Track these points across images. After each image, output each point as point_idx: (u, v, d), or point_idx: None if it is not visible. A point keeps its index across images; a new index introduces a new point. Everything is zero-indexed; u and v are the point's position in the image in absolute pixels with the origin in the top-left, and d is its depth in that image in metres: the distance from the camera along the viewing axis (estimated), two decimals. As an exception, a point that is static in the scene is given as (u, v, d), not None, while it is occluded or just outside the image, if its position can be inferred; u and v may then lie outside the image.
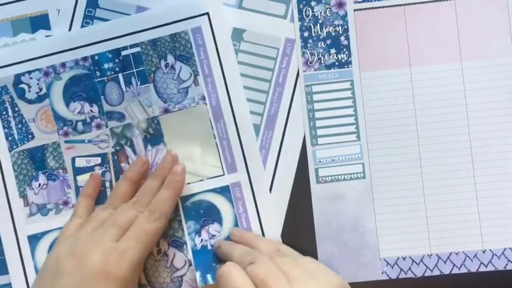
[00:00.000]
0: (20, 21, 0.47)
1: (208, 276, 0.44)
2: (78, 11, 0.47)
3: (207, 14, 0.46)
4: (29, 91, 0.46)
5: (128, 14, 0.47)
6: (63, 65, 0.46)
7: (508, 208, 0.45)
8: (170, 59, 0.46)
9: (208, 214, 0.45)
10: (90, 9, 0.47)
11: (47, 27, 0.47)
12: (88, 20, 0.47)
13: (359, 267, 0.45)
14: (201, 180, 0.46)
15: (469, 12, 0.46)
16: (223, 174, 0.46)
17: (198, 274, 0.44)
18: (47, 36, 0.47)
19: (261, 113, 0.47)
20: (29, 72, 0.46)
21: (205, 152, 0.46)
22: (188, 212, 0.45)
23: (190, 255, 0.45)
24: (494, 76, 0.46)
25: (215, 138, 0.46)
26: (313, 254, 0.45)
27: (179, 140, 0.46)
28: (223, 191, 0.46)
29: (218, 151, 0.46)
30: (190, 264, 0.45)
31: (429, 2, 0.46)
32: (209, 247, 0.45)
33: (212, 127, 0.46)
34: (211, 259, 0.45)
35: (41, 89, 0.46)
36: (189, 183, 0.46)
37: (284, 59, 0.47)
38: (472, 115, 0.46)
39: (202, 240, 0.45)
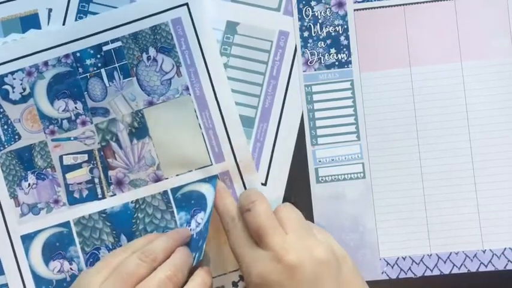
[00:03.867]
0: (10, 22, 0.47)
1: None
2: (72, 5, 0.47)
3: (186, 4, 0.46)
4: (13, 92, 0.46)
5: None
6: (45, 63, 0.46)
7: (508, 208, 0.45)
8: (152, 51, 0.46)
9: (198, 204, 0.45)
10: (84, 4, 0.47)
11: (38, 26, 0.47)
12: (81, 15, 0.47)
13: (359, 267, 0.45)
14: (189, 171, 0.46)
15: (469, 12, 0.46)
16: (211, 164, 0.46)
17: None
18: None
19: (255, 105, 0.47)
20: (12, 72, 0.46)
21: (192, 142, 0.46)
22: (179, 203, 0.46)
23: None
24: (494, 76, 0.46)
25: (201, 128, 0.46)
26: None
27: (165, 132, 0.46)
28: (213, 180, 0.46)
29: (204, 141, 0.46)
30: None
31: (429, 2, 0.46)
32: (195, 236, 0.45)
33: (197, 117, 0.46)
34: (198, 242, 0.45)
35: (24, 89, 0.46)
36: (177, 175, 0.46)
37: (278, 51, 0.47)
38: (472, 115, 0.46)
39: (190, 230, 0.45)
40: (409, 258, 0.45)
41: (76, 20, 0.47)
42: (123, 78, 0.46)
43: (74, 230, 0.46)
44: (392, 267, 0.45)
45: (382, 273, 0.45)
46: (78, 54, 0.46)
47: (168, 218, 0.46)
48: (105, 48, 0.46)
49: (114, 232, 0.46)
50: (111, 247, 0.46)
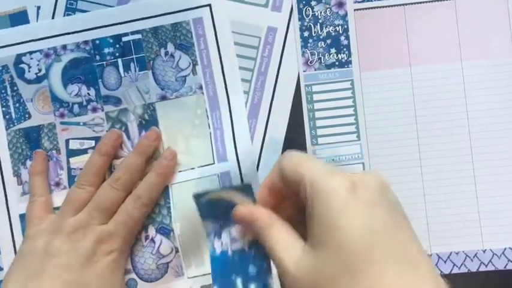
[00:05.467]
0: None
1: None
2: (60, 3, 0.47)
3: (209, 5, 0.47)
4: (29, 71, 0.47)
5: (109, 6, 0.47)
6: (64, 47, 0.47)
7: (508, 208, 0.45)
8: (170, 47, 0.47)
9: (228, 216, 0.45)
10: (72, 1, 0.47)
11: (26, 21, 0.47)
12: (70, 13, 0.47)
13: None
14: (192, 169, 0.46)
15: (469, 12, 0.46)
16: (213, 163, 0.46)
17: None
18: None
19: (244, 102, 0.47)
20: (30, 52, 0.47)
21: (198, 140, 0.46)
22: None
23: (177, 243, 0.45)
24: (494, 76, 0.46)
25: (209, 127, 0.46)
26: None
27: (174, 127, 0.46)
28: (247, 189, 0.45)
29: (211, 140, 0.46)
30: (177, 251, 0.45)
31: (429, 1, 0.46)
32: (232, 255, 0.43)
33: (208, 116, 0.46)
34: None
35: (40, 70, 0.47)
36: (180, 171, 0.46)
37: (266, 47, 0.47)
38: (472, 115, 0.46)
39: (222, 244, 0.45)
40: (409, 258, 0.45)
41: (64, 15, 0.47)
42: (139, 71, 0.47)
43: None
44: (392, 267, 0.45)
45: (382, 273, 0.45)
46: (97, 42, 0.47)
47: (165, 213, 0.46)
48: (124, 39, 0.47)
49: None
50: None
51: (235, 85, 0.46)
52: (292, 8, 0.47)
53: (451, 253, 0.45)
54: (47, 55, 0.47)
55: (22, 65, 0.47)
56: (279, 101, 0.47)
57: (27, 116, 0.47)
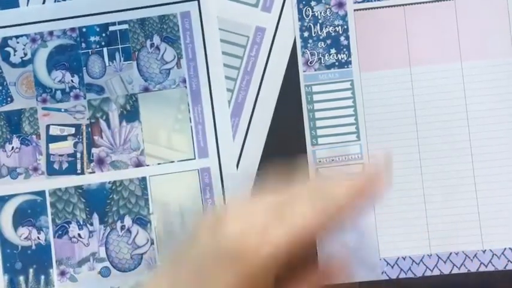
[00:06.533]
0: None
1: None
2: None
3: (197, 0, 0.47)
4: (14, 55, 0.47)
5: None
6: (50, 33, 0.47)
7: (508, 208, 0.45)
8: (156, 39, 0.47)
9: None
10: None
11: (16, 5, 0.48)
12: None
13: (359, 267, 0.45)
14: (171, 162, 0.47)
15: (469, 12, 0.46)
16: (194, 158, 0.46)
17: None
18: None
19: (228, 100, 0.47)
20: (17, 36, 0.47)
21: (179, 134, 0.47)
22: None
23: (153, 234, 0.46)
24: (494, 76, 0.46)
25: (190, 121, 0.47)
26: (313, 254, 0.45)
27: (155, 120, 0.47)
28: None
29: (192, 135, 0.47)
30: (152, 243, 0.46)
31: (429, 2, 0.46)
32: None
33: (189, 110, 0.47)
34: None
35: (25, 54, 0.47)
36: (159, 164, 0.46)
37: (254, 47, 0.47)
38: (472, 115, 0.46)
39: None
40: (409, 258, 0.45)
41: (55, 1, 0.48)
42: (124, 61, 0.47)
43: (48, 200, 0.47)
44: (392, 267, 0.45)
45: (382, 273, 0.45)
46: (84, 30, 0.47)
47: (142, 204, 0.46)
48: (111, 28, 0.47)
49: (87, 209, 0.47)
50: (81, 223, 0.46)
51: (218, 81, 0.47)
52: (282, 10, 0.47)
53: (450, 253, 0.45)
54: (33, 40, 0.47)
55: (8, 49, 0.47)
56: (263, 101, 0.47)
57: (9, 99, 0.47)
